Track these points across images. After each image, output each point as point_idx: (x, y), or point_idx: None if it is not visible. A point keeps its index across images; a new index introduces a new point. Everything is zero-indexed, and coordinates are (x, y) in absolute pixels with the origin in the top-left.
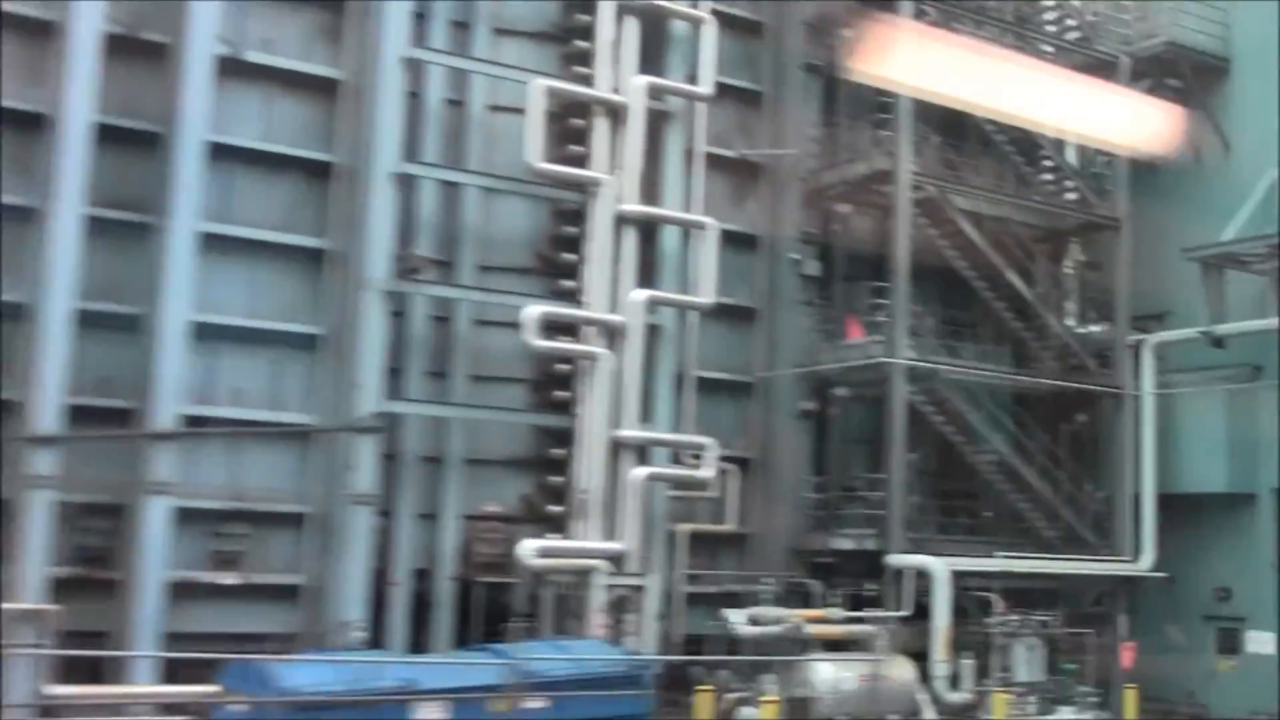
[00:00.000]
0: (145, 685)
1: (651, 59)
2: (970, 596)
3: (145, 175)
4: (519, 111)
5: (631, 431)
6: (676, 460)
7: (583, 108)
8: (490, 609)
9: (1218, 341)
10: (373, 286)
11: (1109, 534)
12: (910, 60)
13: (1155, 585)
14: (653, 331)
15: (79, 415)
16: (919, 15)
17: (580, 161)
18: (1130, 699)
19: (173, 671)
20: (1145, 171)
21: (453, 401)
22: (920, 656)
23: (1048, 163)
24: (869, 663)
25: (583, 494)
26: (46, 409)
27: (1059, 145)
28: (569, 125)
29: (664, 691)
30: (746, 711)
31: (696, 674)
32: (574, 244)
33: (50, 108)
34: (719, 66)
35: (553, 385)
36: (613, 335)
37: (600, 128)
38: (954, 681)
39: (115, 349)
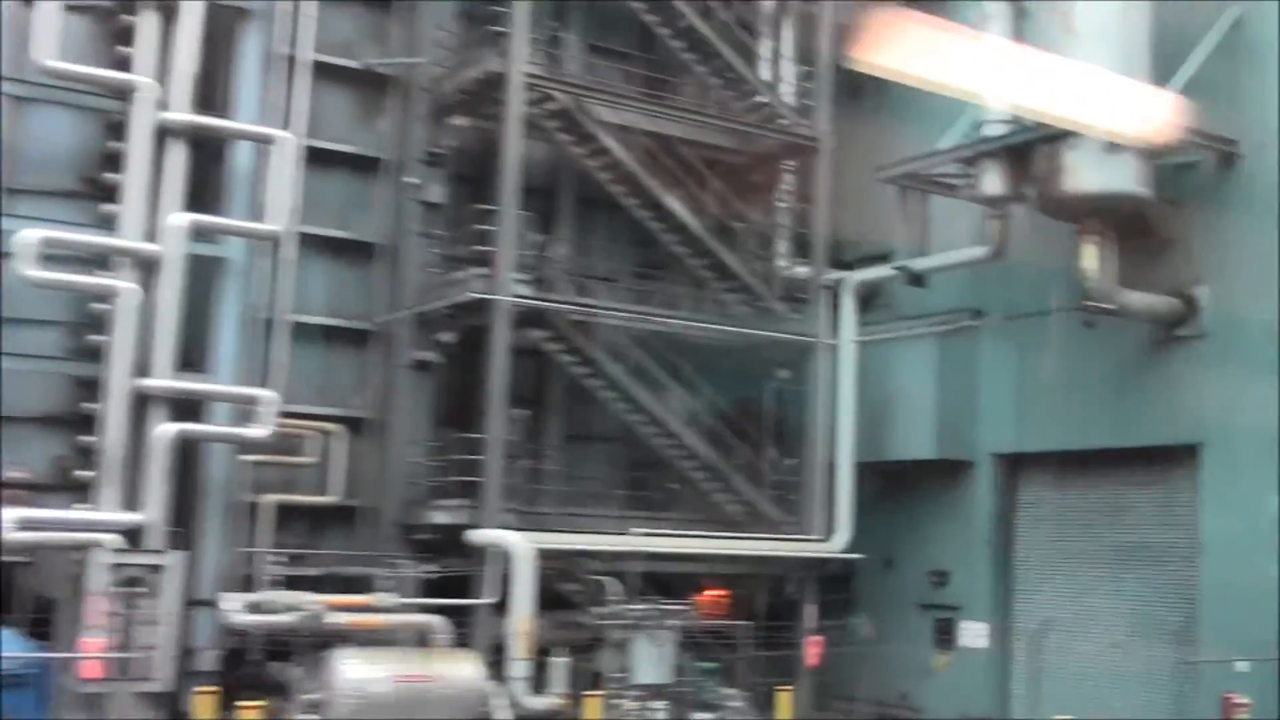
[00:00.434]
0: None
1: None
2: (592, 582)
3: None
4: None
5: (159, 381)
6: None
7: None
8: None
9: (916, 279)
10: None
11: (799, 509)
12: None
13: (877, 570)
14: (214, 265)
15: None
16: None
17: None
18: (784, 702)
19: None
20: (865, 88)
21: None
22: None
23: (731, 75)
24: (413, 660)
25: (103, 454)
26: None
27: (746, 52)
28: (123, 23)
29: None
30: None
31: (274, 672)
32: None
33: None
34: None
35: (92, 328)
36: (150, 268)
37: (147, 23)
38: (539, 683)
39: None
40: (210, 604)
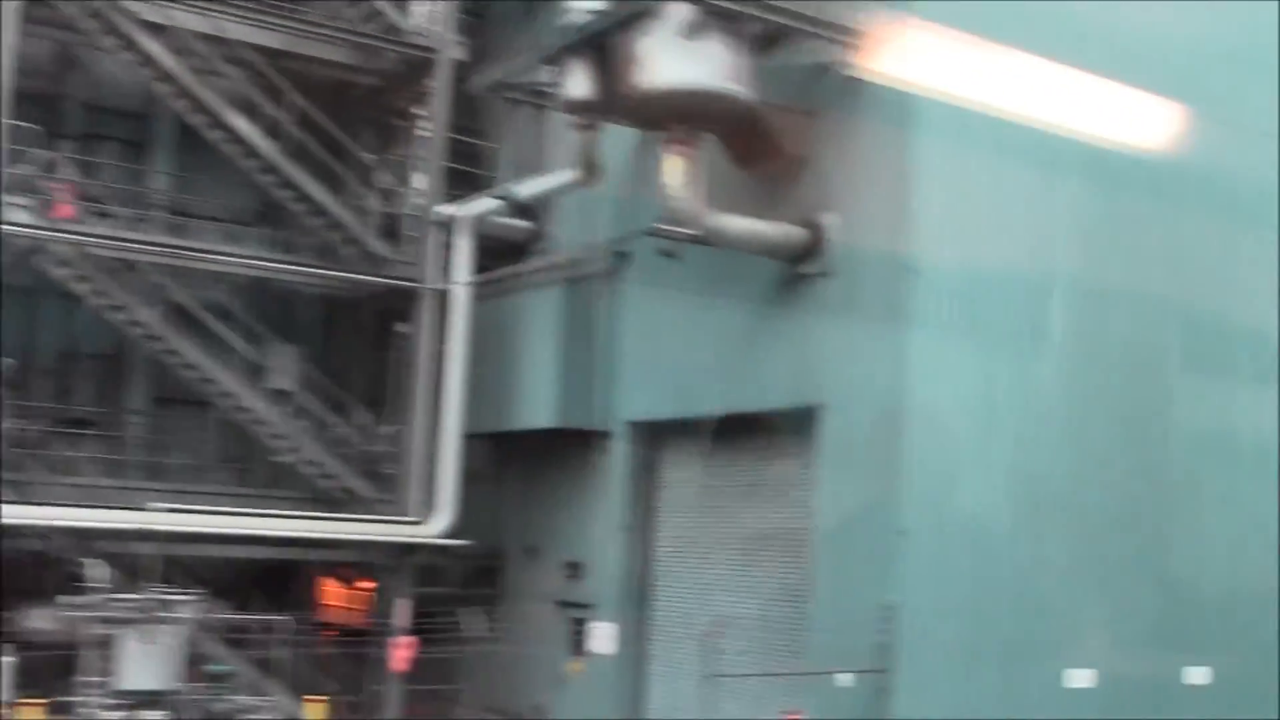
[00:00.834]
0: None
1: None
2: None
3: None
4: None
5: None
6: None
7: None
8: None
9: (523, 210)
10: None
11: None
12: None
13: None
14: None
15: None
16: None
17: None
18: (315, 711)
19: None
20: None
21: None
22: None
23: None
24: None
25: None
26: None
27: None
28: None
29: None
30: None
31: None
32: None
33: None
34: None
35: None
36: None
37: None
38: None
39: None
40: None
